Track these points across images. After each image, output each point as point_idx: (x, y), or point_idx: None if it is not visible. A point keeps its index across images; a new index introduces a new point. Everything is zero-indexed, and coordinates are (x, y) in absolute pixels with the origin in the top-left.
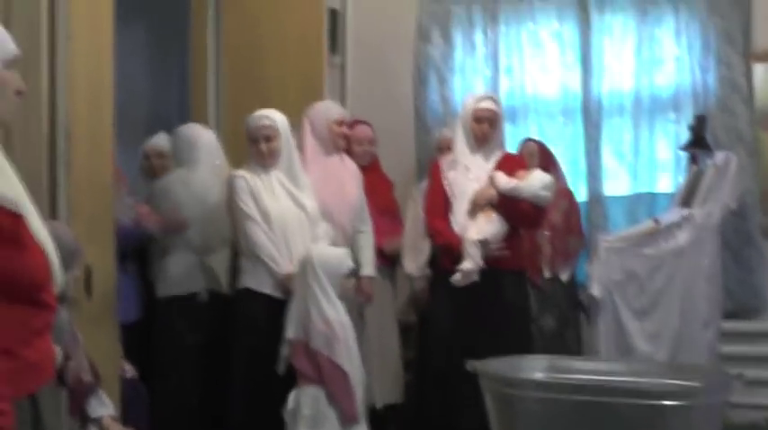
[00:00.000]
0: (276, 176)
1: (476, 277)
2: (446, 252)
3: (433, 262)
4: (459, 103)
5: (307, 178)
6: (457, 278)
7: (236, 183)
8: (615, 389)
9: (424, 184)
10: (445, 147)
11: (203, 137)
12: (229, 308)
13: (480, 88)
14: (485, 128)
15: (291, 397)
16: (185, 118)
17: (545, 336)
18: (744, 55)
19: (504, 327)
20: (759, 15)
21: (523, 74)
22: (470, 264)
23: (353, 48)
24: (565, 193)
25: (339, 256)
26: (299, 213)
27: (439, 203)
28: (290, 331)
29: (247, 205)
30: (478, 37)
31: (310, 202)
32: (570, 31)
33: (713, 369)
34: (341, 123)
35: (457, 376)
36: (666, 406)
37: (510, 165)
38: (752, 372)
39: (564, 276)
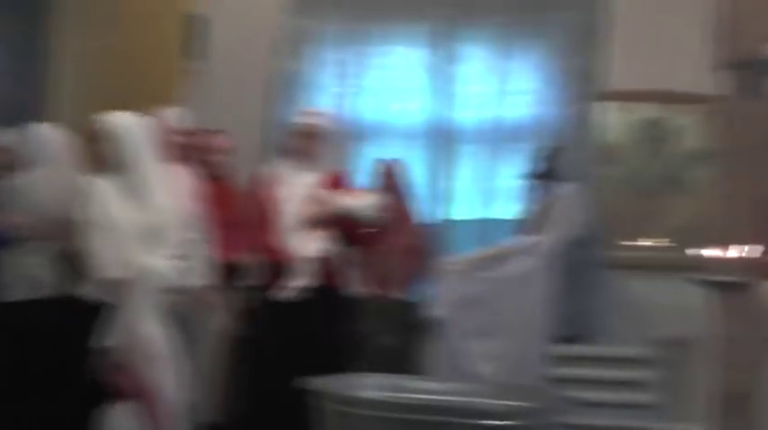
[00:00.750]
0: (115, 181)
1: (306, 294)
2: (274, 269)
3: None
4: None
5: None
6: (288, 295)
7: (79, 187)
8: (448, 408)
9: None
10: None
11: (60, 138)
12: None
13: (331, 106)
14: (304, 143)
15: (105, 411)
16: (31, 117)
17: (385, 356)
18: (594, 93)
19: (334, 345)
20: (611, 56)
21: (376, 95)
22: (303, 281)
23: (216, 56)
24: (413, 215)
25: (166, 269)
26: (138, 219)
27: (263, 218)
28: (108, 340)
29: (86, 210)
30: (335, 55)
31: (157, 207)
32: (426, 56)
33: (544, 390)
34: (177, 132)
35: (286, 393)
36: (496, 426)
37: (337, 183)
38: (588, 395)
39: (407, 296)
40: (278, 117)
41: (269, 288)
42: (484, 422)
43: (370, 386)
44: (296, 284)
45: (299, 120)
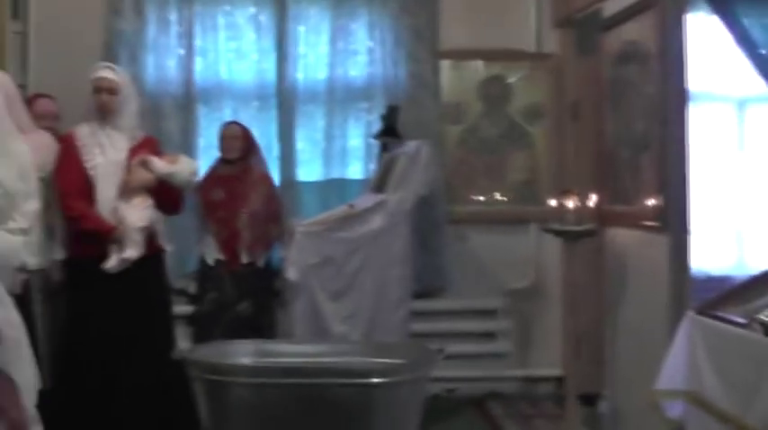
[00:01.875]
0: None
1: (128, 264)
2: (93, 238)
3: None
4: (151, 83)
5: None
6: (115, 264)
7: None
8: (325, 370)
9: None
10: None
11: None
12: None
13: (173, 68)
14: (103, 98)
15: None
16: None
17: (242, 323)
18: (431, 52)
19: (150, 312)
20: (445, 16)
21: (218, 56)
22: (135, 251)
23: (37, 15)
24: (264, 179)
25: (10, 246)
26: None
27: (79, 184)
28: None
29: None
30: (173, 15)
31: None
32: (267, 16)
33: (415, 345)
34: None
35: (112, 364)
36: (375, 383)
37: (151, 147)
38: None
39: (261, 262)
40: None
41: (94, 260)
42: (365, 381)
43: (241, 352)
44: (132, 255)
45: (90, 77)
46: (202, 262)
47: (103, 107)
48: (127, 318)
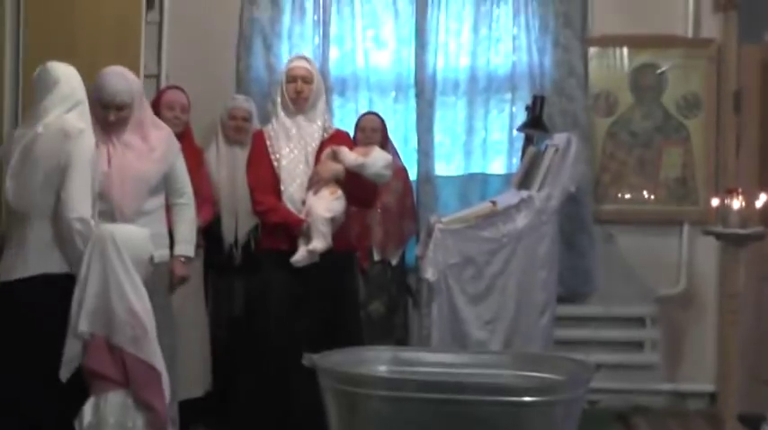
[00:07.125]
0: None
1: (317, 257)
2: (281, 230)
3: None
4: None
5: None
6: (302, 256)
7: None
8: (470, 385)
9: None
10: (240, 117)
11: None
12: None
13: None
14: (299, 86)
15: (89, 406)
16: None
17: (373, 322)
18: (580, 39)
19: (337, 309)
20: (596, 0)
21: (355, 44)
22: (321, 243)
23: (172, 4)
24: (399, 174)
25: (142, 238)
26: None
27: (267, 177)
28: (84, 324)
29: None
30: (309, 2)
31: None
32: (406, 3)
33: (567, 358)
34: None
35: (294, 363)
36: (527, 402)
37: (342, 141)
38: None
39: (394, 260)
40: (254, 67)
41: (286, 253)
42: (517, 399)
43: (377, 360)
44: (319, 247)
45: (285, 67)
46: None
47: (299, 96)
48: (312, 314)
